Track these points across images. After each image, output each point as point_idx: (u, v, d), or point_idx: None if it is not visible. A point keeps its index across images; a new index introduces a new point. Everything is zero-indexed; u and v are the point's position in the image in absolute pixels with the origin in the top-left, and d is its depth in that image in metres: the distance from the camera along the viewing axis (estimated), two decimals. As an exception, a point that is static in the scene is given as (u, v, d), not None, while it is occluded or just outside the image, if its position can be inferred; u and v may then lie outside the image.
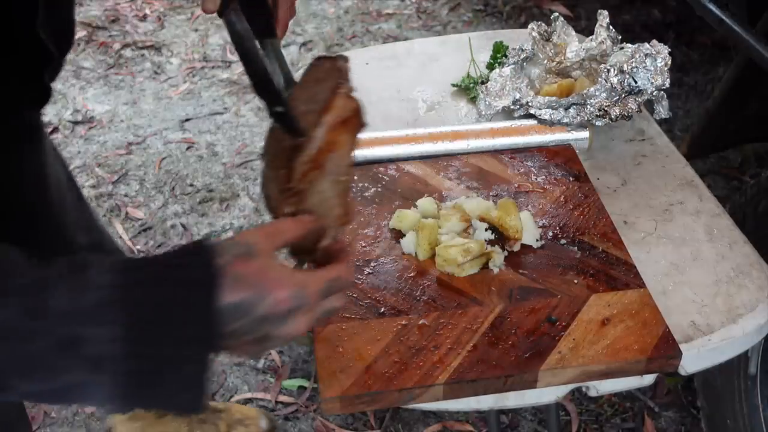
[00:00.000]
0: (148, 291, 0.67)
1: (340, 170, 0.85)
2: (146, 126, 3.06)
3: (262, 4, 0.92)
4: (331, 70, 0.89)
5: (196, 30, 3.64)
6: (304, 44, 3.58)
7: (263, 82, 0.84)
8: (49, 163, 1.29)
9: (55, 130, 3.03)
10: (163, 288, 0.68)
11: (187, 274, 0.70)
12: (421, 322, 1.02)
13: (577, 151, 1.33)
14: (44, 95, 1.09)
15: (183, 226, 2.59)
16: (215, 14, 0.87)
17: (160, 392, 0.69)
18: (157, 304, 0.67)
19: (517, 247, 1.12)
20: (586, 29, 3.20)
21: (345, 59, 0.90)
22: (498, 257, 1.10)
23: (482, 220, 1.14)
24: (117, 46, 3.52)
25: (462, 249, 1.08)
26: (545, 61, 1.49)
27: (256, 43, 0.87)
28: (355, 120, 0.87)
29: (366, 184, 1.25)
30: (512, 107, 1.39)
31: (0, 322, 0.63)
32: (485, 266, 1.10)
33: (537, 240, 1.14)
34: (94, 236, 1.50)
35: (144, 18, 3.72)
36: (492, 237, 1.12)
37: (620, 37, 1.47)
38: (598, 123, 1.33)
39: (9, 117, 1.08)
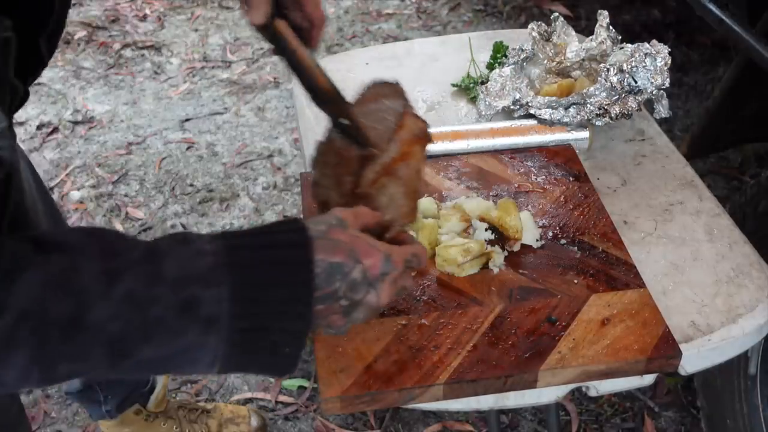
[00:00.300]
0: (252, 254, 0.74)
1: (411, 176, 0.96)
2: (146, 126, 3.06)
3: (302, 16, 0.97)
4: (390, 93, 1.00)
5: (196, 30, 3.64)
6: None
7: (328, 94, 0.92)
8: (22, 169, 1.28)
9: (55, 130, 3.03)
10: (265, 251, 0.75)
11: (286, 238, 0.77)
12: (421, 322, 1.02)
13: (577, 151, 1.33)
14: (24, 97, 1.09)
15: (183, 226, 2.59)
16: (253, 24, 0.89)
17: (262, 349, 0.75)
18: (260, 265, 0.73)
19: (517, 247, 1.12)
20: (586, 29, 3.20)
21: (399, 84, 1.01)
22: (498, 257, 1.10)
23: (482, 220, 1.14)
24: (117, 46, 3.52)
25: (462, 249, 1.08)
26: (545, 61, 1.49)
27: (311, 53, 0.92)
28: (424, 137, 0.98)
29: (366, 184, 1.25)
30: (512, 107, 1.39)
31: (123, 292, 0.68)
32: (485, 266, 1.10)
33: (537, 240, 1.14)
34: None
35: (144, 18, 3.72)
36: (492, 237, 1.12)
37: (620, 37, 1.47)
38: (598, 122, 1.33)
39: None
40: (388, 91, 1.01)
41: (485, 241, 1.12)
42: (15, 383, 0.69)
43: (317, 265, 0.77)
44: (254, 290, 0.73)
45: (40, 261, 0.67)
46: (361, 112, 0.97)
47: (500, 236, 1.13)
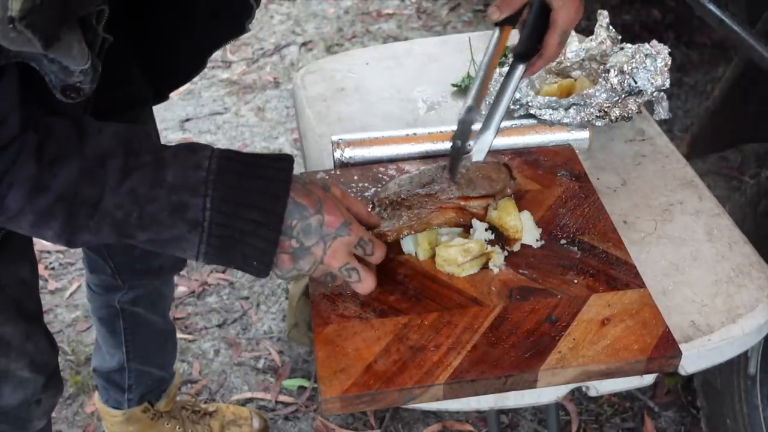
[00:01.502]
0: (239, 178, 0.88)
1: (434, 225, 1.12)
2: (146, 126, 3.06)
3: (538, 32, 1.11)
4: (502, 175, 1.17)
5: (196, 30, 3.64)
6: (304, 44, 3.59)
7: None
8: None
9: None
10: (251, 178, 0.89)
11: (271, 173, 0.90)
12: (421, 322, 1.02)
13: (577, 151, 1.33)
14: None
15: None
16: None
17: (235, 256, 0.90)
18: (243, 188, 0.88)
19: (517, 248, 1.12)
20: (586, 29, 3.20)
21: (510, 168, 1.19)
22: (498, 257, 1.10)
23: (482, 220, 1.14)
24: (117, 46, 3.52)
25: (462, 249, 1.08)
26: (545, 61, 1.49)
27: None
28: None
29: (366, 184, 1.25)
30: (512, 107, 1.39)
31: (129, 189, 0.85)
32: (485, 266, 1.10)
33: (537, 240, 1.14)
34: None
35: (144, 18, 3.72)
36: (492, 237, 1.12)
37: (620, 37, 1.47)
38: (598, 123, 1.33)
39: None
40: (503, 172, 1.18)
41: (485, 241, 1.11)
42: (50, 240, 0.88)
43: (286, 198, 0.90)
44: (233, 207, 0.88)
45: (79, 151, 0.84)
46: (476, 170, 1.17)
47: (500, 236, 1.13)
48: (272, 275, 0.96)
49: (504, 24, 1.11)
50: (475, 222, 1.13)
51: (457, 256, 1.07)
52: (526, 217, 1.15)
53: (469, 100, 1.09)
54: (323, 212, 0.93)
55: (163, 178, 0.86)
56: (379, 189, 1.22)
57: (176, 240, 0.89)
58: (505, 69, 1.45)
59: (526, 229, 1.13)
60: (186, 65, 1.27)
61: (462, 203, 1.13)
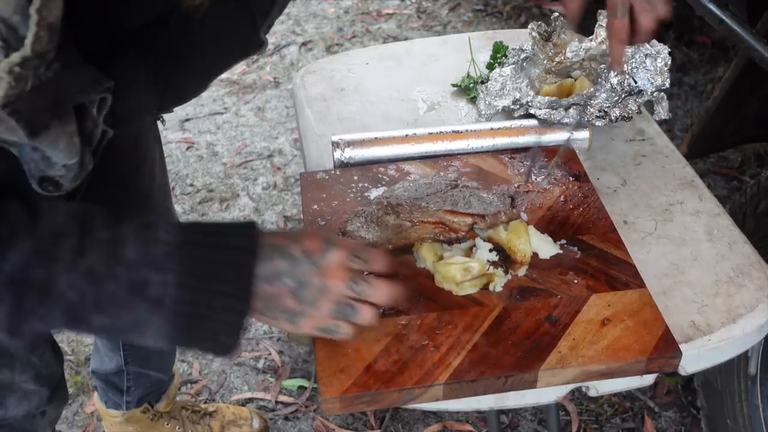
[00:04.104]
0: (203, 251, 0.82)
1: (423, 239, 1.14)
2: (146, 126, 3.06)
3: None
4: (502, 202, 1.18)
5: (196, 30, 3.63)
6: (304, 44, 3.58)
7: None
8: (150, 145, 1.46)
9: (55, 130, 3.03)
10: (214, 249, 0.82)
11: (235, 242, 0.83)
12: (421, 322, 1.02)
13: (577, 151, 1.33)
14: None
15: (183, 226, 2.59)
16: None
17: (202, 335, 0.83)
18: (207, 260, 0.81)
19: (522, 272, 1.09)
20: (586, 29, 3.20)
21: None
22: (500, 281, 1.07)
23: (489, 240, 1.12)
24: (117, 46, 3.52)
25: (462, 267, 1.05)
26: (545, 61, 1.49)
27: None
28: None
29: (366, 184, 1.25)
30: (512, 107, 1.39)
31: (86, 268, 0.77)
32: (485, 288, 1.07)
33: (555, 252, 1.12)
34: (168, 215, 1.59)
35: (144, 18, 3.72)
36: (496, 258, 1.09)
37: (620, 37, 1.47)
38: (598, 123, 1.33)
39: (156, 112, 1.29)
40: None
41: (487, 261, 1.08)
42: None
43: (257, 268, 0.83)
44: (198, 281, 0.80)
45: (31, 231, 0.76)
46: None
47: (506, 259, 1.10)
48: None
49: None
50: (479, 241, 1.11)
51: (456, 274, 1.05)
52: (542, 239, 1.12)
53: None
54: (301, 241, 0.88)
55: (120, 254, 0.79)
56: (387, 190, 1.22)
57: (135, 324, 0.82)
58: (506, 69, 1.46)
59: (540, 249, 1.11)
60: (191, 83, 1.23)
61: (447, 217, 1.12)
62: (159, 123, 1.45)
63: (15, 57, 0.64)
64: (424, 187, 1.20)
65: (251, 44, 1.08)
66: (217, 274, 0.82)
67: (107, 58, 0.80)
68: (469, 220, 1.12)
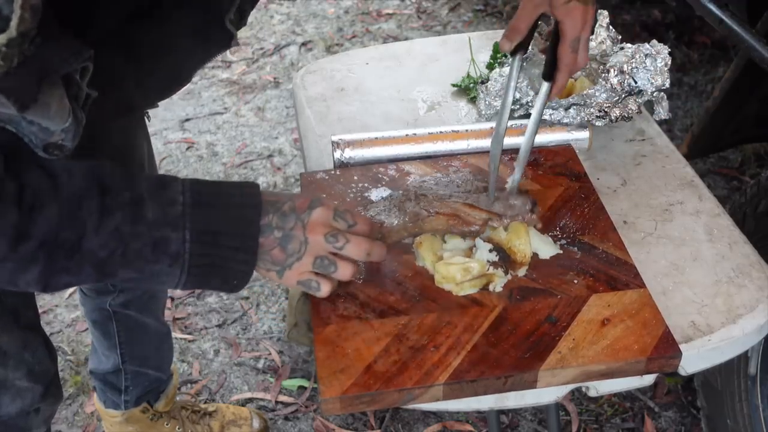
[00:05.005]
0: (214, 209, 0.91)
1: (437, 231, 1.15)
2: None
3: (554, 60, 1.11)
4: (524, 205, 1.17)
5: (196, 30, 3.63)
6: (304, 44, 3.59)
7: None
8: (139, 140, 1.52)
9: (55, 130, 3.03)
10: (224, 209, 0.92)
11: (241, 200, 0.94)
12: (421, 322, 1.02)
13: (577, 151, 1.33)
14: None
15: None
16: None
17: (214, 281, 0.94)
18: (218, 219, 0.91)
19: (522, 273, 1.09)
20: (586, 29, 3.19)
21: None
22: (499, 281, 1.07)
23: (489, 240, 1.12)
24: (117, 46, 3.52)
25: (462, 267, 1.06)
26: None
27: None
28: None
29: (366, 184, 1.25)
30: (512, 107, 1.39)
31: (113, 227, 0.86)
32: (485, 288, 1.07)
33: (555, 252, 1.12)
34: None
35: (144, 18, 3.72)
36: (496, 259, 1.09)
37: (620, 37, 1.47)
38: (598, 123, 1.33)
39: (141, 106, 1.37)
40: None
41: (487, 262, 1.08)
42: (26, 286, 0.87)
43: (259, 223, 0.94)
44: (211, 237, 0.91)
45: (53, 195, 0.83)
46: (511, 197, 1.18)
47: (506, 259, 1.10)
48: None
49: (517, 52, 1.13)
50: (479, 241, 1.11)
51: (456, 274, 1.05)
52: (541, 240, 1.12)
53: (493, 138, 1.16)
54: (293, 199, 0.98)
55: (143, 214, 0.88)
56: (419, 180, 1.25)
57: (157, 274, 0.92)
58: (506, 69, 1.46)
59: (540, 249, 1.11)
60: (170, 77, 1.25)
61: (464, 209, 1.12)
62: (146, 119, 1.48)
63: (2, 38, 0.66)
64: (456, 183, 1.22)
65: (217, 34, 1.10)
66: (227, 231, 0.92)
67: (94, 54, 0.82)
68: (485, 215, 1.13)
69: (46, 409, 1.33)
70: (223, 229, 0.91)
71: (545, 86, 1.13)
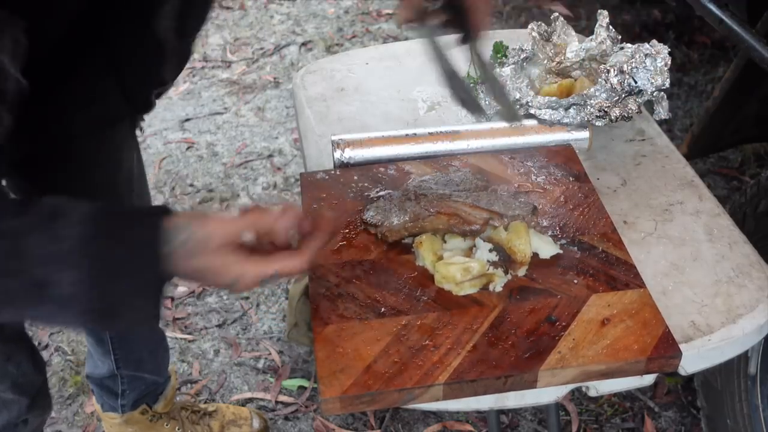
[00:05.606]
0: (108, 246, 0.78)
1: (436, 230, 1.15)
2: (146, 126, 3.05)
3: (463, 15, 1.08)
4: (524, 207, 1.17)
5: (196, 30, 3.63)
6: (304, 44, 3.58)
7: (450, 75, 1.13)
8: (126, 153, 1.43)
9: (55, 130, 3.03)
10: (120, 244, 0.79)
11: (140, 234, 0.81)
12: (421, 322, 1.02)
13: (577, 151, 1.33)
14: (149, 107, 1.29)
15: (183, 226, 2.59)
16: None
17: (116, 324, 0.87)
18: (113, 258, 0.78)
19: (522, 272, 1.09)
20: (586, 29, 3.20)
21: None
22: (500, 281, 1.07)
23: (490, 240, 1.12)
24: (117, 46, 3.51)
25: (462, 267, 1.06)
26: (545, 61, 1.49)
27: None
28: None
29: (366, 184, 1.25)
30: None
31: None
32: (485, 288, 1.07)
33: (555, 252, 1.12)
34: None
35: (144, 18, 3.72)
36: (496, 259, 1.10)
37: (620, 37, 1.47)
38: (598, 123, 1.33)
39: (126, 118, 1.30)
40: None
41: (487, 262, 1.09)
42: None
43: (166, 231, 0.81)
44: (106, 277, 0.78)
45: None
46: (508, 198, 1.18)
47: (506, 259, 1.10)
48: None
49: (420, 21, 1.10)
50: (479, 241, 1.11)
51: (456, 274, 1.05)
52: (545, 240, 1.12)
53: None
54: (204, 220, 0.85)
55: (22, 249, 0.76)
56: (419, 179, 1.24)
57: (47, 316, 0.82)
58: (506, 69, 1.46)
59: (541, 249, 1.11)
60: (145, 90, 1.20)
61: (464, 209, 1.12)
62: (137, 131, 1.43)
63: None
64: (455, 183, 1.21)
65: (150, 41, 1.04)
66: (123, 270, 0.79)
67: (76, 67, 0.78)
68: (486, 215, 1.13)
69: (34, 420, 1.31)
70: (118, 269, 0.79)
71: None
